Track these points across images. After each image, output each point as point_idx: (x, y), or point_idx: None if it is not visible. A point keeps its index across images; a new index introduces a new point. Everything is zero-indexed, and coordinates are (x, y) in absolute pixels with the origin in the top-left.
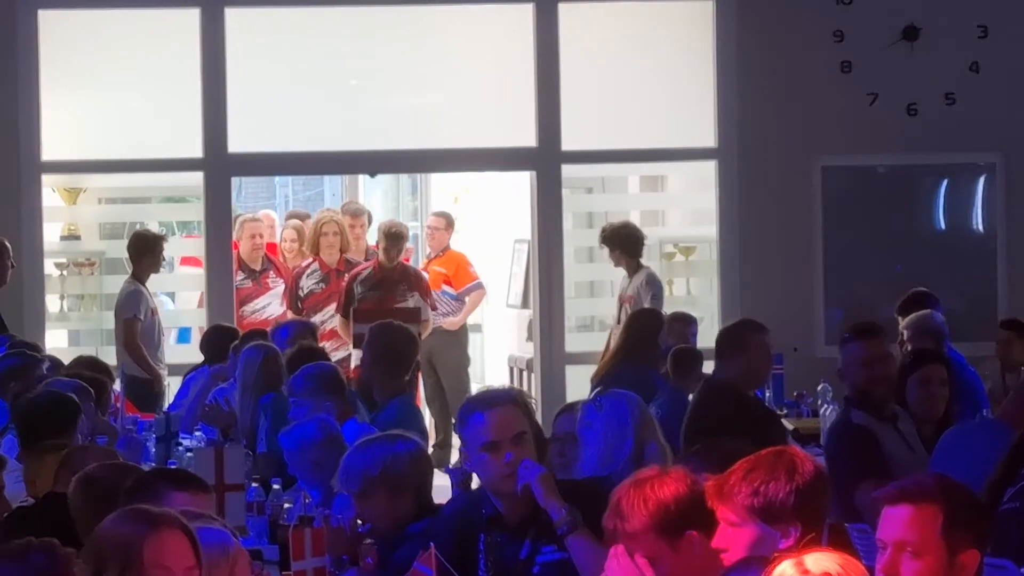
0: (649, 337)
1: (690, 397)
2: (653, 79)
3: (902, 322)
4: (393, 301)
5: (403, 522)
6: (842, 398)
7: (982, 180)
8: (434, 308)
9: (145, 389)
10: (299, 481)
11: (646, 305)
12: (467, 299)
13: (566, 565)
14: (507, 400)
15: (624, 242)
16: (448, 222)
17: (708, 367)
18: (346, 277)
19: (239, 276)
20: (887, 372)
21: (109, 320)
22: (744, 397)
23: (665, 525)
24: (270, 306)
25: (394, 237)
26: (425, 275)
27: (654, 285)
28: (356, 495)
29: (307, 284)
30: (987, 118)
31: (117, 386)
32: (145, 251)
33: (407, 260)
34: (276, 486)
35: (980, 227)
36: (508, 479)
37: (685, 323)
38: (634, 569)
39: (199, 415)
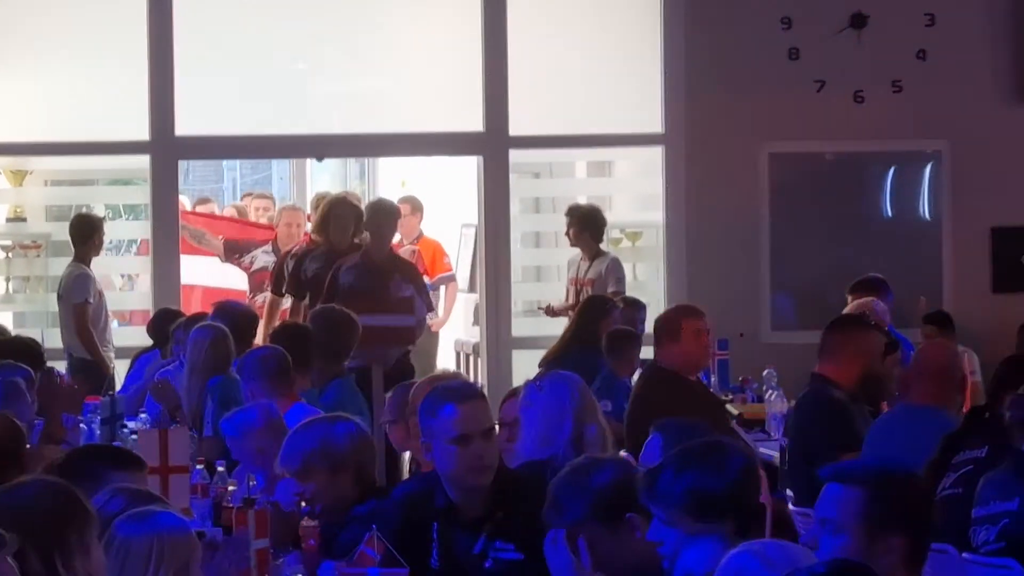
0: (599, 322)
1: (632, 380)
2: (601, 65)
3: (848, 307)
4: (387, 298)
5: (347, 504)
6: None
7: (928, 167)
8: (430, 308)
9: (93, 371)
10: (242, 465)
11: (610, 290)
12: (442, 291)
13: (521, 565)
14: (478, 394)
15: (593, 225)
16: (414, 206)
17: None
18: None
19: (270, 258)
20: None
21: (55, 302)
22: (687, 383)
23: (603, 510)
24: None
25: (387, 215)
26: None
27: (619, 270)
28: (296, 474)
29: (311, 267)
30: (934, 106)
31: (63, 369)
32: (89, 234)
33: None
34: (220, 468)
35: (926, 214)
36: (476, 473)
37: (635, 309)
38: (571, 555)
39: (148, 390)
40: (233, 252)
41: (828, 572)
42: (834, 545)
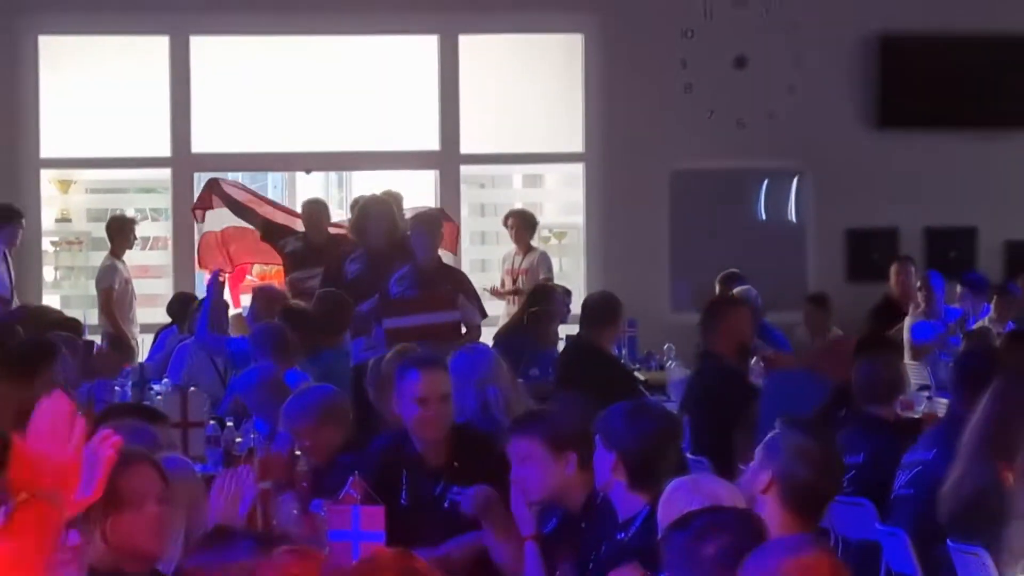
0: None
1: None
2: (534, 97)
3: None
4: (437, 303)
5: (332, 453)
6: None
7: (795, 181)
8: (484, 315)
9: (121, 344)
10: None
11: (541, 277)
12: None
13: None
14: (438, 364)
15: (529, 225)
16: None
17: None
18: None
19: (299, 244)
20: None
21: (93, 288)
22: (608, 355)
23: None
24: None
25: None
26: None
27: (548, 263)
28: (296, 431)
29: (352, 269)
30: (800, 131)
31: (99, 341)
32: (120, 231)
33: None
34: (229, 423)
35: (793, 218)
36: (431, 428)
37: (567, 294)
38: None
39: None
40: (273, 234)
41: (705, 514)
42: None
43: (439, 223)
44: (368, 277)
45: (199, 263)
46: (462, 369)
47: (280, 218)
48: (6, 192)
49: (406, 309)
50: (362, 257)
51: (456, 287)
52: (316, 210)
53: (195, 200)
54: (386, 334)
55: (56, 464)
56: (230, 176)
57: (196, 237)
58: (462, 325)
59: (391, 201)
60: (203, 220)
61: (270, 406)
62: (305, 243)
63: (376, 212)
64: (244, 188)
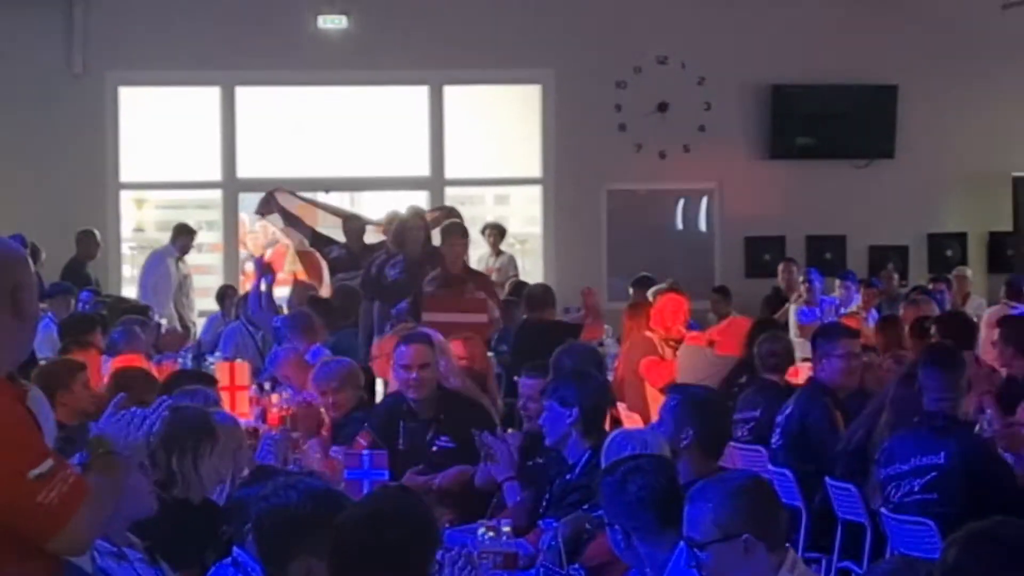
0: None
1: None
2: (503, 133)
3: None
4: (464, 302)
5: (348, 409)
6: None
7: (705, 199)
8: (501, 310)
9: (183, 325)
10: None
11: (511, 275)
12: None
13: (454, 451)
14: (421, 340)
15: (501, 233)
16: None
17: None
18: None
19: (342, 251)
20: None
21: None
22: (551, 321)
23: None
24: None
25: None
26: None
27: (515, 263)
28: (322, 391)
29: (391, 273)
30: (709, 160)
31: (165, 323)
32: (183, 239)
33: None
34: (267, 387)
35: (703, 229)
36: (411, 390)
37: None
38: None
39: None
40: (319, 242)
41: (634, 460)
42: None
43: (466, 234)
44: (406, 280)
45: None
46: None
47: (330, 221)
48: (94, 208)
49: (442, 305)
50: (401, 263)
51: (479, 287)
52: (355, 226)
53: (258, 207)
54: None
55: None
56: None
57: (239, 247)
58: (485, 315)
59: (422, 216)
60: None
61: (295, 377)
62: (347, 250)
63: (413, 225)
64: (297, 196)
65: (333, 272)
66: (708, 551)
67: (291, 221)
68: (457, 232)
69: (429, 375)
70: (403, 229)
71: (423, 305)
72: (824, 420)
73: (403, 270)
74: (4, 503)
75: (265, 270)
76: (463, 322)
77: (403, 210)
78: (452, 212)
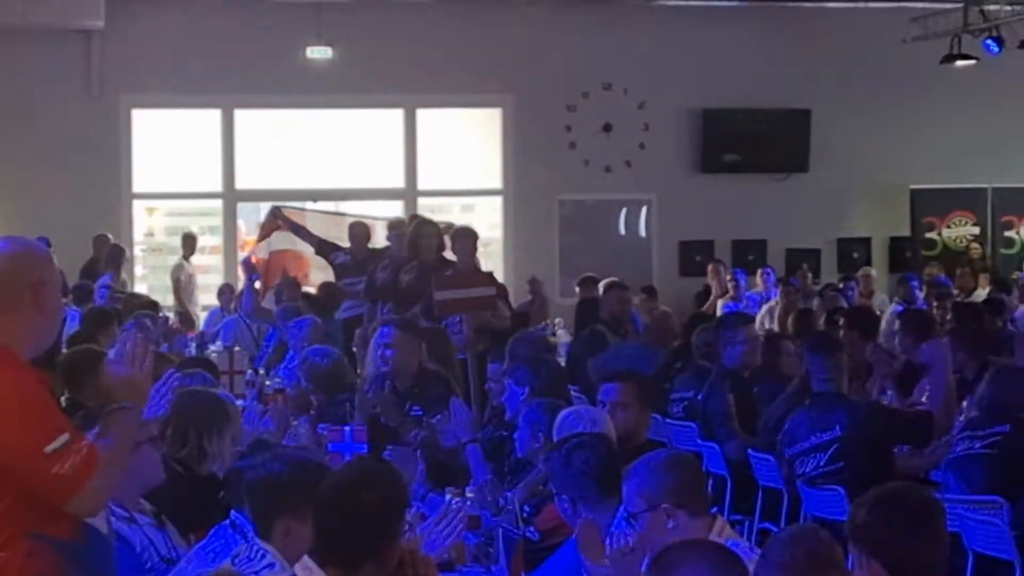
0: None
1: None
2: (468, 149)
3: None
4: (470, 275)
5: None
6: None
7: (645, 208)
8: (510, 308)
9: (187, 318)
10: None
11: None
12: None
13: (420, 418)
14: (401, 326)
15: (474, 236)
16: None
17: None
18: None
19: (347, 258)
20: None
21: (169, 280)
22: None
23: None
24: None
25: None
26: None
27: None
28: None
29: (405, 279)
30: (648, 174)
31: (172, 316)
32: (188, 242)
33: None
34: (261, 371)
35: (643, 234)
36: (386, 367)
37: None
38: None
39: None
40: (325, 249)
41: (576, 439)
42: None
43: (476, 236)
44: (419, 284)
45: (265, 281)
46: None
47: (332, 232)
48: (110, 216)
49: (451, 283)
50: (415, 268)
51: (486, 282)
52: (360, 232)
53: (260, 229)
54: (436, 304)
55: (133, 382)
56: (261, 205)
57: (237, 250)
58: (495, 301)
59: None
60: (264, 239)
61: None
62: (352, 256)
63: (427, 233)
64: (297, 211)
65: (338, 277)
66: (640, 520)
67: (299, 232)
68: (469, 234)
69: (405, 355)
70: (417, 236)
71: (435, 285)
72: (721, 405)
73: (418, 275)
74: (24, 474)
75: (251, 269)
76: (472, 296)
77: (399, 217)
78: (424, 219)
